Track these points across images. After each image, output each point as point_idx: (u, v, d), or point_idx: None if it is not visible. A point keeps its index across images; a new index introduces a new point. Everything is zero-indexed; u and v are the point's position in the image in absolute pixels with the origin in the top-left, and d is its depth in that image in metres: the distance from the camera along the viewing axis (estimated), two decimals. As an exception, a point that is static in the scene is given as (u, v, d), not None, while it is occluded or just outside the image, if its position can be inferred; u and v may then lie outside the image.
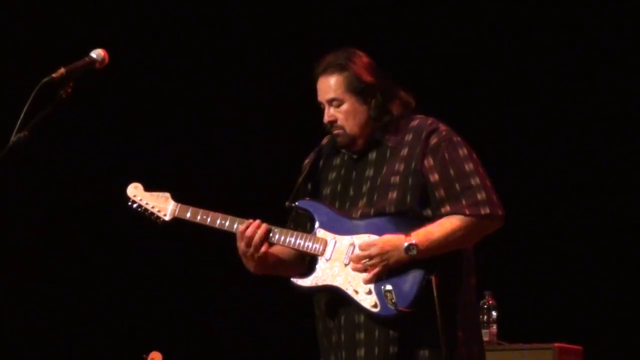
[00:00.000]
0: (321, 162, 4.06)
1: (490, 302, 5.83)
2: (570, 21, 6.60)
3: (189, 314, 7.01)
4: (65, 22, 6.65)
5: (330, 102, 3.91)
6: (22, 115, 3.41)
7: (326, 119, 3.92)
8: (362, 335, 3.79)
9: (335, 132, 3.92)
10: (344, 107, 3.90)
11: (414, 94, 3.98)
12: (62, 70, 3.50)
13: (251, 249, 3.87)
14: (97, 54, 3.62)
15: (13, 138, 3.42)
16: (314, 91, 3.97)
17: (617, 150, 6.54)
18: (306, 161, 4.09)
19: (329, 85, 3.91)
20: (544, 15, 6.64)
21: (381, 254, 3.73)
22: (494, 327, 5.80)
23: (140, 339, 6.66)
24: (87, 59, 3.60)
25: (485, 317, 5.79)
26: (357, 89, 3.90)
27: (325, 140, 4.08)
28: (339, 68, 3.91)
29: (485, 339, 5.75)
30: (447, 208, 3.77)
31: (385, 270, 3.74)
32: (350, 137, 3.91)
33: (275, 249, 3.98)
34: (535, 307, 6.46)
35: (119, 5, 6.85)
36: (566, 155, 6.62)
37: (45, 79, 3.47)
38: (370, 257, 3.75)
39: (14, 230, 6.71)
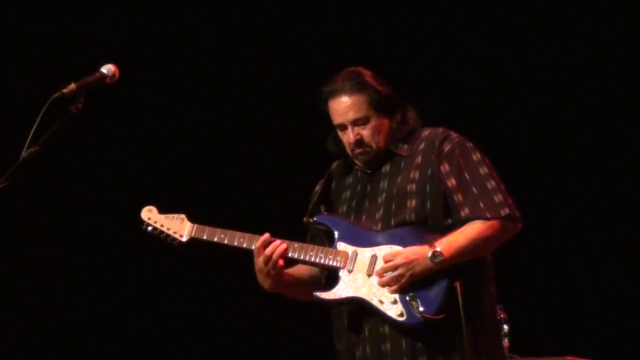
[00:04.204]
0: (333, 185, 4.08)
1: (502, 315, 5.80)
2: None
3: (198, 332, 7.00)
4: (76, 37, 6.66)
5: (355, 121, 3.93)
6: (32, 131, 3.43)
7: (352, 138, 3.93)
8: (387, 346, 3.80)
9: (361, 149, 3.94)
10: (371, 124, 3.93)
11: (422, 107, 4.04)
12: (72, 85, 3.53)
13: (269, 266, 3.89)
14: (107, 69, 3.64)
15: (24, 153, 3.44)
16: (324, 114, 3.98)
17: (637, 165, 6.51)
18: (316, 188, 4.10)
19: (351, 106, 3.92)
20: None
21: (407, 264, 3.75)
22: (506, 341, 5.76)
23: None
24: (97, 74, 3.63)
25: (497, 330, 5.77)
26: (381, 105, 3.93)
27: (333, 166, 4.11)
28: (358, 87, 3.93)
29: (497, 352, 5.75)
30: (467, 211, 3.81)
31: (411, 279, 3.75)
32: (376, 152, 3.95)
33: (292, 269, 4.02)
34: (547, 321, 6.44)
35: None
36: (580, 168, 6.59)
37: (56, 95, 3.50)
38: (396, 267, 3.76)
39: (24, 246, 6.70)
